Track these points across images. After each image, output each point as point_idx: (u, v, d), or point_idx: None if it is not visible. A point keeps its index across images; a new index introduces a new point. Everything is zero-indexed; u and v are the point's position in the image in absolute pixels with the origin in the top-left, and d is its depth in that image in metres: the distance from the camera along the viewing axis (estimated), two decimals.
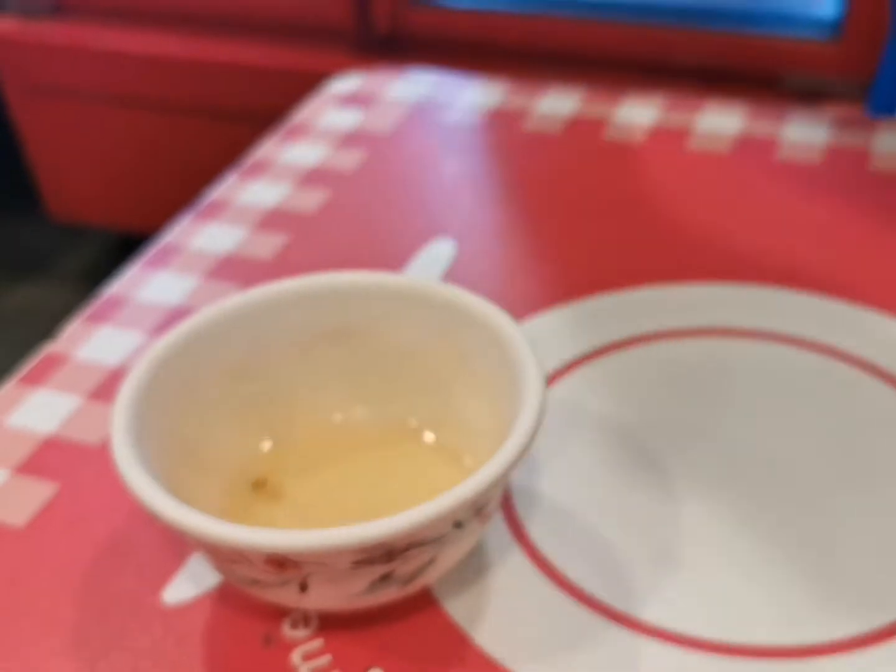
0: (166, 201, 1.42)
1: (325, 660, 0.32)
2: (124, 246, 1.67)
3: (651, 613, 0.32)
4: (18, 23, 1.45)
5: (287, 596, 0.30)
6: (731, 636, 0.32)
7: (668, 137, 0.56)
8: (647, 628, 0.32)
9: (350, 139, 0.57)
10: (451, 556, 0.31)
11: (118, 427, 0.31)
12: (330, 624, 0.33)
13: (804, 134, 0.55)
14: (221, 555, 0.29)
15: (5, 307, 1.60)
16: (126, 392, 0.32)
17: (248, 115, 1.36)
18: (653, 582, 0.33)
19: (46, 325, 1.54)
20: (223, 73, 1.37)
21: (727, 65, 1.21)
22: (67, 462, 0.39)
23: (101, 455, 0.39)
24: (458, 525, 0.29)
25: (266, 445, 0.36)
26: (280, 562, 0.28)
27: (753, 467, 0.37)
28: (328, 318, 0.36)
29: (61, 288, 1.64)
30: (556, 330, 0.43)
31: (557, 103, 0.59)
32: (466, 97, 0.61)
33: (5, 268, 1.68)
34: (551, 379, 0.41)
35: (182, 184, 1.38)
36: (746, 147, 0.54)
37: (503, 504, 0.36)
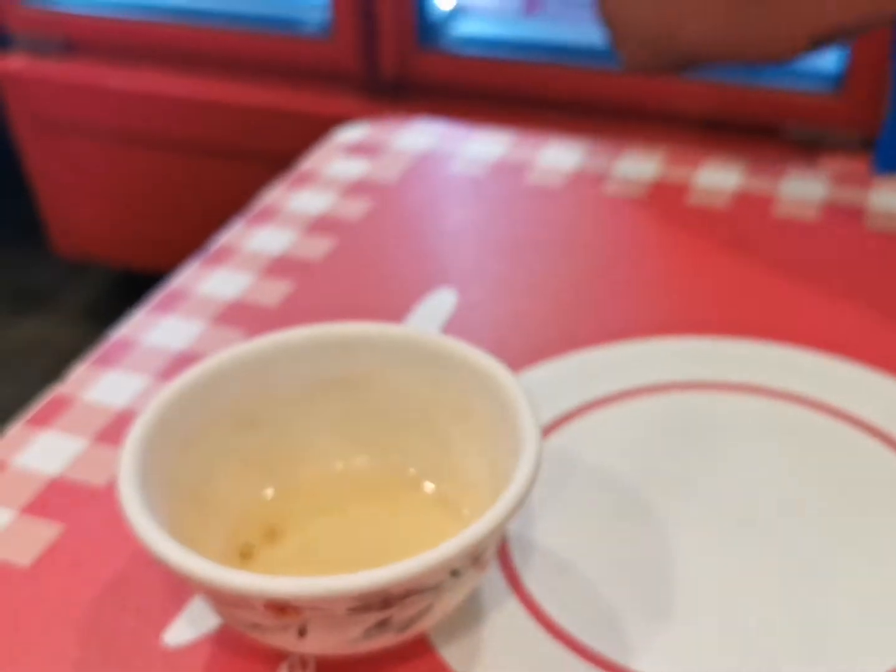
0: (171, 240, 1.44)
1: None
2: (128, 283, 1.69)
3: (643, 664, 0.33)
4: (28, 60, 1.47)
5: (286, 640, 0.31)
6: None
7: (667, 192, 0.57)
8: None
9: (356, 188, 0.59)
10: (447, 603, 0.32)
11: (125, 471, 0.32)
12: (327, 668, 0.33)
13: (801, 190, 0.56)
14: (223, 599, 0.30)
15: (10, 341, 1.61)
16: (133, 437, 0.33)
17: (254, 156, 1.38)
18: (645, 633, 0.34)
19: (50, 360, 1.55)
20: (231, 114, 1.39)
21: (729, 115, 1.22)
22: (72, 503, 0.40)
23: (106, 497, 0.40)
24: (455, 574, 0.30)
25: (269, 492, 0.37)
26: (280, 607, 0.29)
27: (742, 518, 0.38)
28: (331, 367, 0.37)
29: (65, 323, 1.65)
30: (553, 381, 0.44)
31: (560, 156, 0.60)
32: (471, 148, 0.62)
33: (10, 302, 1.69)
34: (548, 429, 0.42)
35: (187, 223, 1.40)
36: (744, 202, 0.55)
37: (499, 552, 0.37)
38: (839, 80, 1.16)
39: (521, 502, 0.30)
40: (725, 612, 0.34)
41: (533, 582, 0.36)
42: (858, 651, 0.33)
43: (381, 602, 0.29)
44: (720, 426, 0.42)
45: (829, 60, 1.18)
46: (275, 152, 1.19)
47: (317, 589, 0.28)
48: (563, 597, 0.35)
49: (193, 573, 0.29)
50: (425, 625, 0.32)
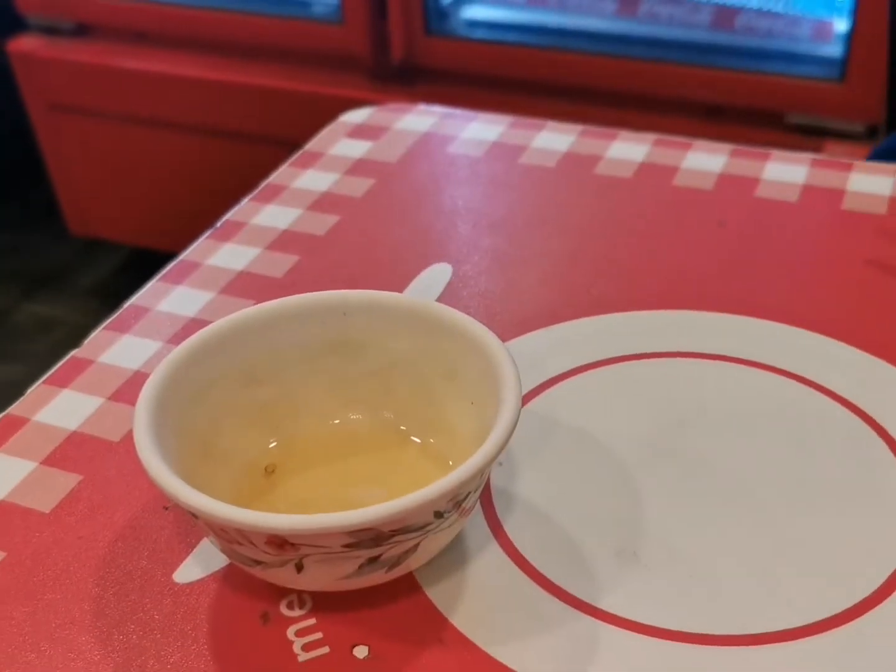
0: (182, 220, 1.47)
1: (316, 636, 0.35)
2: (140, 263, 1.71)
3: (611, 603, 0.36)
4: (41, 42, 1.50)
5: (285, 576, 0.34)
6: (683, 625, 0.35)
7: (656, 173, 0.59)
8: (607, 616, 0.36)
9: (359, 167, 0.62)
10: (433, 544, 0.35)
11: (139, 420, 0.35)
12: (322, 605, 0.36)
13: (783, 172, 0.59)
14: (227, 536, 0.33)
15: (24, 320, 1.64)
16: (147, 390, 0.36)
17: (263, 138, 1.40)
18: (614, 575, 0.37)
19: (63, 338, 1.58)
20: (241, 96, 1.41)
21: (731, 102, 1.24)
22: (90, 456, 0.43)
23: (121, 450, 0.43)
24: (439, 515, 0.33)
25: (272, 444, 0.40)
26: (279, 543, 0.32)
27: (711, 476, 0.41)
28: (330, 331, 0.40)
29: (78, 302, 1.68)
30: (539, 350, 0.47)
31: (554, 138, 0.63)
32: (469, 130, 0.65)
33: (25, 282, 1.72)
34: (532, 394, 0.45)
35: (198, 203, 1.42)
36: (728, 184, 0.58)
37: (484, 503, 0.40)
38: (842, 67, 1.17)
39: (499, 450, 0.33)
40: (693, 560, 0.37)
41: (514, 530, 0.39)
42: (812, 592, 0.36)
43: (371, 539, 0.32)
44: (695, 392, 0.45)
45: (832, 47, 1.19)
46: (284, 135, 1.21)
47: (313, 524, 0.31)
48: (542, 543, 0.38)
49: (202, 511, 0.32)
50: (413, 564, 0.35)
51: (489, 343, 0.37)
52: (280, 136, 1.33)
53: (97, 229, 1.68)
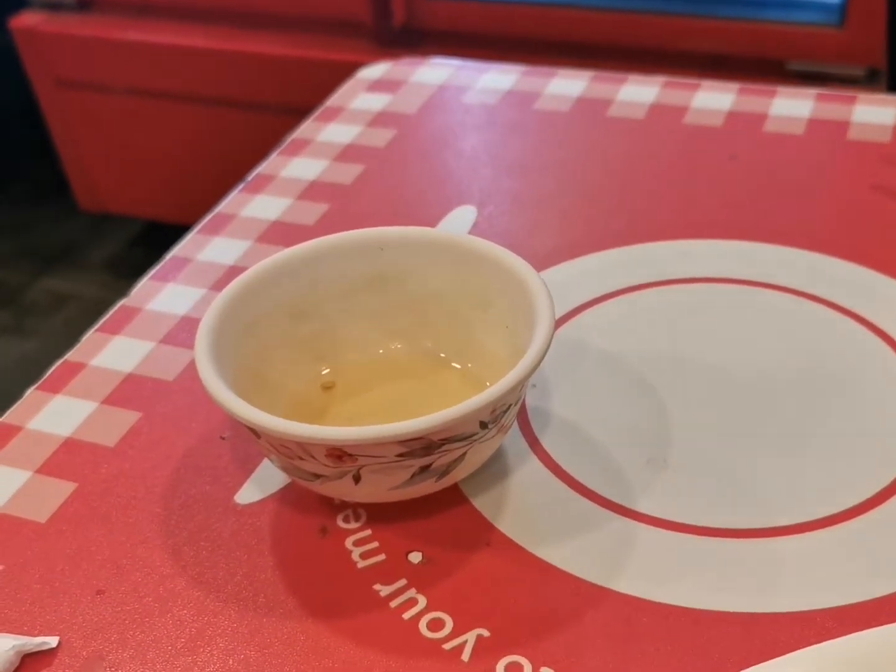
0: (193, 192, 1.49)
1: (373, 545, 0.38)
2: (151, 236, 1.73)
3: (644, 505, 0.39)
4: (45, 16, 1.51)
5: (343, 488, 0.37)
6: (713, 521, 0.38)
7: (666, 113, 0.62)
8: (641, 516, 0.38)
9: (379, 119, 0.64)
10: (478, 455, 0.37)
11: (201, 350, 0.37)
12: (376, 518, 0.39)
13: (790, 107, 0.61)
14: (289, 452, 0.36)
15: (37, 296, 1.66)
16: (205, 324, 0.38)
17: (270, 106, 1.42)
18: (646, 480, 0.40)
19: (76, 313, 1.60)
20: (246, 65, 1.42)
21: (732, 51, 1.25)
22: (147, 396, 0.46)
23: (175, 388, 0.46)
24: (484, 426, 0.36)
25: (324, 371, 0.42)
26: (338, 455, 0.35)
27: (731, 386, 0.43)
28: (368, 266, 0.43)
29: (90, 278, 1.69)
30: (564, 282, 0.49)
31: (566, 85, 0.65)
32: (484, 81, 0.67)
33: (37, 258, 1.74)
34: (561, 321, 0.47)
35: (208, 174, 1.44)
36: (737, 120, 0.60)
37: (521, 421, 0.42)
38: (841, 12, 1.18)
39: (537, 364, 0.36)
40: (719, 463, 0.40)
41: (550, 444, 0.41)
42: (831, 488, 0.39)
43: (423, 448, 0.35)
44: (712, 313, 0.47)
45: None
46: (292, 102, 1.23)
47: (370, 434, 0.34)
48: (577, 454, 0.41)
49: (266, 427, 0.34)
50: (460, 474, 0.38)
51: (521, 270, 0.40)
52: (287, 104, 1.35)
53: (107, 204, 1.69)
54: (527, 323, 0.38)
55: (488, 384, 0.41)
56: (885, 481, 0.39)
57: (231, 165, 1.06)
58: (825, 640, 0.31)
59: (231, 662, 0.35)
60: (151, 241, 1.74)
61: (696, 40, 1.25)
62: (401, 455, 0.35)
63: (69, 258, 1.75)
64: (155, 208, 1.66)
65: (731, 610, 0.35)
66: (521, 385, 0.36)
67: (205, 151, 1.53)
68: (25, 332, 1.58)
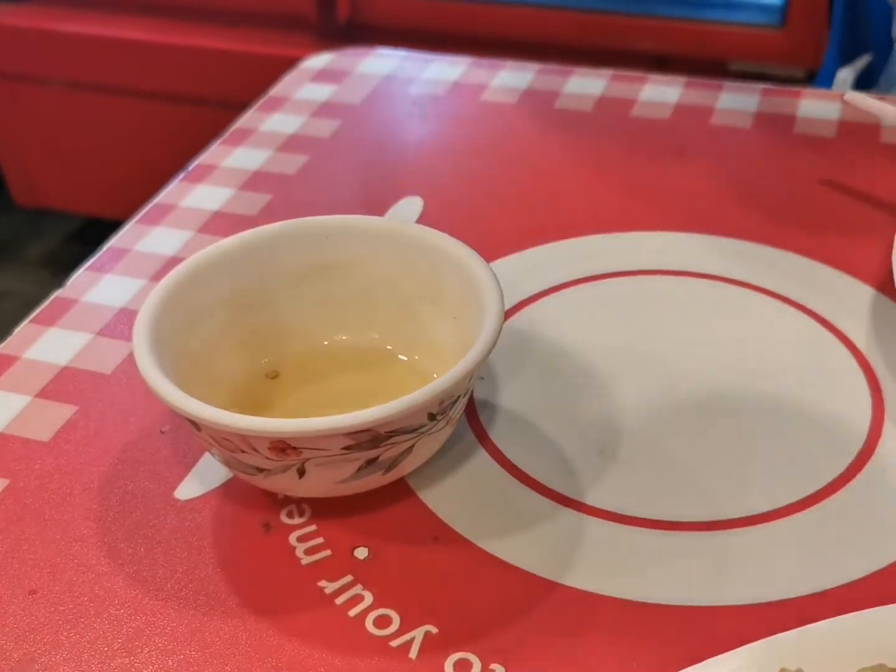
0: (130, 187, 1.46)
1: (318, 541, 0.37)
2: (89, 231, 1.70)
3: (594, 498, 0.38)
4: None
5: (287, 482, 0.36)
6: (663, 515, 0.37)
7: (614, 106, 0.61)
8: (591, 509, 0.38)
9: (324, 109, 0.63)
10: (425, 447, 0.37)
11: (139, 342, 0.36)
12: (321, 513, 0.38)
13: (736, 101, 0.61)
14: (231, 445, 0.34)
15: None
16: (143, 315, 0.37)
17: (212, 101, 1.40)
18: (596, 474, 0.39)
19: (13, 309, 1.56)
20: (186, 59, 1.40)
21: (674, 50, 1.26)
22: (82, 389, 0.44)
23: (112, 382, 0.44)
24: (432, 417, 0.35)
25: (264, 366, 0.41)
26: (282, 448, 0.34)
27: (683, 381, 0.43)
28: (315, 254, 0.42)
29: (26, 273, 1.66)
30: (511, 273, 0.49)
31: (513, 77, 0.65)
32: (430, 72, 0.66)
33: None
34: (509, 313, 0.46)
35: (146, 169, 1.42)
36: (684, 114, 0.60)
37: (469, 414, 0.42)
38: (782, 14, 1.19)
39: (487, 353, 0.35)
40: (670, 456, 0.40)
41: (499, 437, 0.41)
42: (776, 482, 0.38)
43: (370, 441, 0.34)
44: (661, 306, 0.47)
45: None
46: (233, 97, 1.21)
47: (315, 426, 0.33)
48: (526, 448, 0.40)
49: (207, 420, 0.33)
50: (407, 468, 0.37)
51: (470, 260, 0.39)
52: (229, 99, 1.33)
53: (44, 199, 1.66)
54: (475, 314, 0.38)
55: (436, 376, 0.40)
56: (832, 475, 0.38)
57: (170, 160, 1.03)
58: (776, 632, 0.31)
59: (170, 663, 0.33)
60: (89, 237, 1.71)
61: (639, 40, 1.26)
62: (347, 448, 0.34)
63: (4, 254, 1.71)
64: (93, 204, 1.63)
65: (683, 604, 0.34)
66: (469, 376, 0.35)
67: (144, 146, 1.50)
68: None
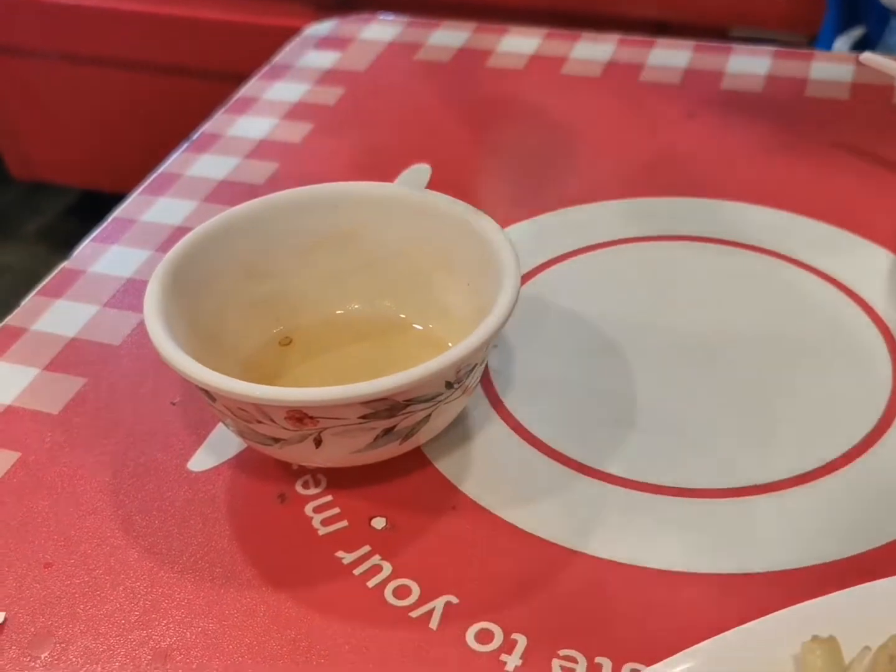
0: (127, 160, 1.45)
1: (334, 511, 0.37)
2: (85, 206, 1.69)
3: (612, 466, 0.38)
4: None
5: (303, 452, 0.35)
6: (683, 482, 0.37)
7: (622, 71, 0.61)
8: (610, 477, 0.37)
9: (329, 77, 0.62)
10: (442, 416, 0.36)
11: (150, 312, 0.35)
12: (337, 483, 0.38)
13: (747, 64, 0.60)
14: (246, 415, 0.34)
15: None
16: (154, 284, 0.37)
17: (209, 72, 1.38)
18: (613, 442, 0.39)
19: (9, 284, 1.54)
20: (181, 30, 1.38)
21: (675, 17, 1.25)
22: (91, 361, 0.44)
23: (121, 354, 0.44)
24: (449, 385, 0.34)
25: (276, 336, 0.41)
26: (299, 417, 0.33)
27: (700, 348, 0.42)
28: (323, 223, 0.41)
29: (22, 248, 1.65)
30: (522, 240, 0.48)
31: (520, 42, 0.64)
32: (435, 38, 0.65)
33: None
34: (521, 280, 0.46)
35: (142, 142, 1.40)
36: (694, 78, 0.59)
37: (484, 384, 0.41)
38: None
39: (504, 320, 0.34)
40: (688, 424, 0.39)
41: (514, 405, 0.40)
42: (798, 447, 0.38)
43: (387, 410, 0.33)
44: (676, 272, 0.46)
45: None
46: (230, 68, 1.20)
47: (332, 395, 0.32)
48: (541, 416, 0.40)
49: (224, 390, 0.33)
50: (423, 437, 0.37)
51: (485, 227, 0.38)
52: (225, 70, 1.31)
53: (41, 173, 1.65)
54: (490, 281, 0.37)
55: (450, 344, 0.40)
56: (853, 441, 0.38)
57: (167, 132, 1.02)
58: (802, 599, 0.30)
59: (188, 635, 0.33)
60: (87, 210, 1.70)
61: (640, 6, 1.25)
62: (364, 417, 0.33)
63: (1, 229, 1.70)
64: (90, 177, 1.62)
65: (705, 571, 0.34)
66: (486, 344, 0.34)
67: (140, 118, 1.49)
68: None
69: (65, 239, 1.64)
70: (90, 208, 1.68)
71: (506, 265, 0.36)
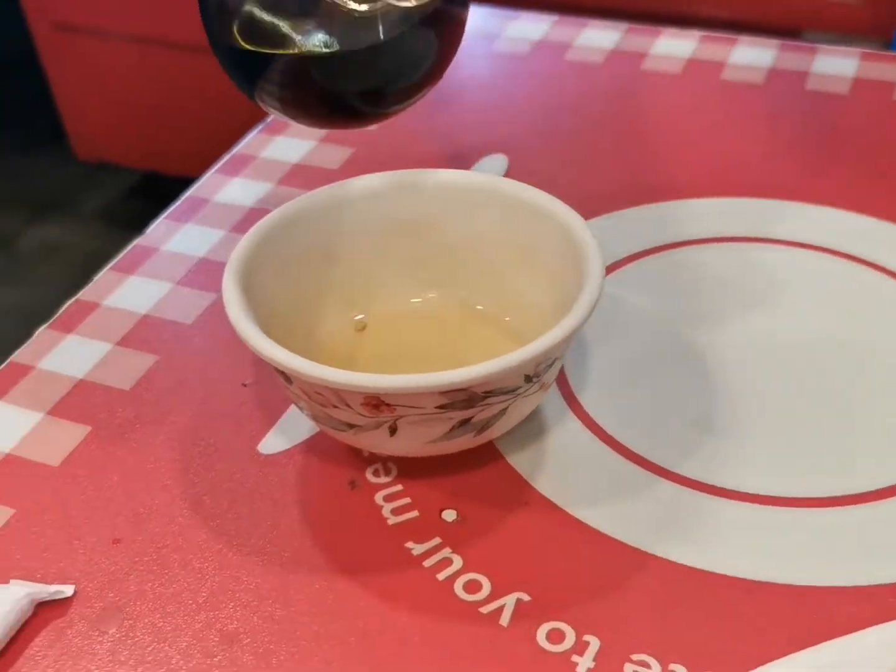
0: (188, 143, 1.46)
1: (405, 501, 0.36)
2: (145, 186, 1.70)
3: (689, 469, 0.37)
4: None
5: (376, 440, 0.35)
6: (761, 489, 0.36)
7: (702, 68, 0.59)
8: (685, 480, 0.36)
9: None
10: (518, 410, 0.35)
11: (229, 290, 0.35)
12: (408, 472, 0.37)
13: (832, 65, 0.59)
14: (322, 399, 0.34)
15: (28, 244, 1.63)
16: (231, 267, 0.36)
17: None
18: (690, 443, 0.38)
19: (68, 262, 1.56)
20: None
21: (748, 18, 1.23)
22: (163, 338, 0.43)
23: (194, 332, 0.43)
24: (528, 379, 0.34)
25: (352, 321, 0.40)
26: (376, 404, 0.33)
27: (779, 352, 0.41)
28: (402, 210, 0.40)
29: (82, 227, 1.66)
30: (601, 235, 0.47)
31: (599, 36, 0.63)
32: (513, 29, 0.65)
33: (28, 206, 1.71)
34: None
35: (205, 125, 1.41)
36: (777, 78, 0.58)
37: (559, 379, 0.40)
38: None
39: (588, 315, 0.34)
40: (767, 428, 0.38)
41: (589, 403, 0.40)
42: (889, 460, 0.37)
43: (464, 401, 0.33)
44: (759, 275, 0.45)
45: None
46: None
47: (412, 383, 0.32)
48: (617, 414, 0.39)
49: (301, 371, 0.32)
50: (497, 431, 0.36)
51: (569, 218, 0.38)
52: None
53: (104, 153, 1.66)
54: (572, 274, 0.36)
55: (528, 338, 0.39)
56: None
57: (233, 117, 1.03)
58: (886, 617, 0.29)
59: (255, 619, 0.33)
60: (147, 191, 1.71)
61: (714, 7, 1.23)
62: (441, 407, 0.33)
63: (63, 207, 1.72)
64: (152, 158, 1.62)
65: (783, 581, 0.33)
66: (570, 338, 0.34)
67: (204, 101, 1.49)
68: (16, 280, 1.55)
69: (124, 219, 1.66)
70: (150, 190, 1.70)
71: (590, 259, 0.36)
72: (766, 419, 0.39)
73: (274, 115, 0.41)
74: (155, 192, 1.63)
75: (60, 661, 0.32)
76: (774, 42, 0.61)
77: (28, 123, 1.86)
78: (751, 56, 0.60)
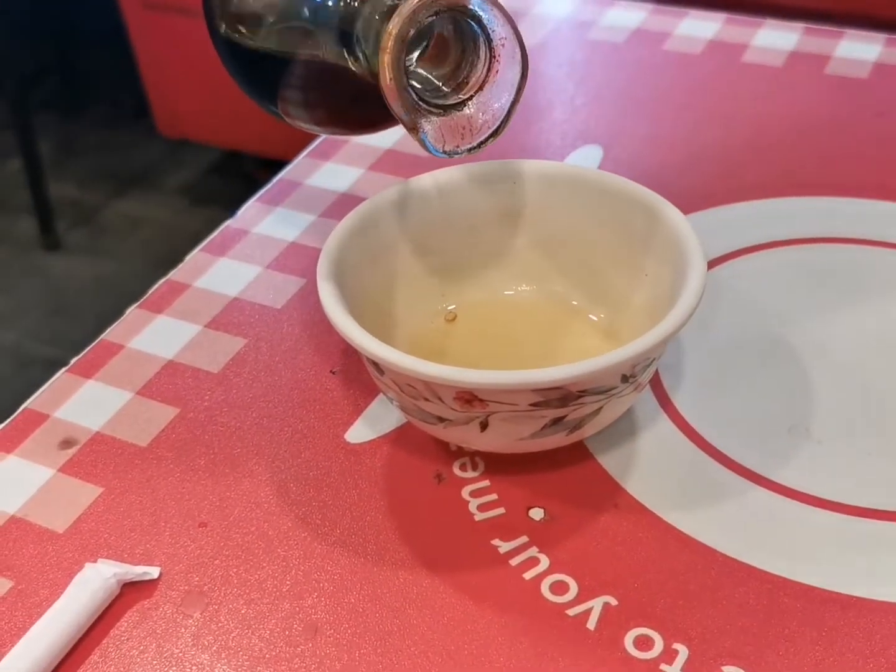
0: (271, 122, 1.46)
1: (491, 498, 0.36)
2: (226, 163, 1.71)
3: (786, 476, 0.36)
4: None
5: (467, 434, 0.34)
6: (859, 500, 0.35)
7: (806, 61, 0.58)
8: (782, 488, 0.35)
9: None
10: (611, 411, 0.35)
11: (324, 278, 0.35)
12: (495, 468, 0.37)
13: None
14: (414, 392, 0.33)
15: (112, 217, 1.65)
16: (326, 254, 0.36)
17: None
18: (787, 450, 0.37)
19: (151, 236, 1.58)
20: None
21: (858, 8, 1.20)
22: (252, 322, 0.43)
23: (282, 317, 0.43)
24: (625, 380, 0.33)
25: (442, 311, 0.40)
26: (468, 399, 0.32)
27: (882, 358, 0.40)
28: (499, 200, 0.40)
29: (165, 201, 1.68)
30: (698, 232, 0.46)
31: (698, 26, 0.62)
32: (609, 17, 0.63)
33: (112, 180, 1.73)
34: None
35: None
36: (884, 74, 0.56)
37: (652, 380, 0.39)
38: None
39: (689, 316, 0.33)
40: (868, 437, 0.37)
41: (683, 404, 0.39)
42: None
43: (559, 399, 0.32)
44: (860, 277, 0.44)
45: None
46: None
47: (505, 380, 0.31)
48: (711, 417, 0.38)
49: (395, 363, 0.32)
50: (590, 430, 0.35)
51: (671, 214, 0.37)
52: None
53: (187, 130, 1.67)
54: (672, 272, 0.35)
55: (623, 336, 0.38)
56: None
57: None
58: None
59: (339, 610, 0.32)
60: (228, 169, 1.72)
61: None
62: (535, 404, 0.32)
63: (145, 182, 1.74)
64: (234, 136, 1.63)
65: (885, 599, 0.32)
66: (669, 339, 0.33)
67: None
68: (100, 253, 1.58)
69: (204, 195, 1.67)
70: (231, 168, 1.71)
71: (692, 257, 0.35)
72: (868, 426, 0.37)
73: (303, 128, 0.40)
74: (235, 170, 1.65)
75: (145, 642, 0.32)
76: (880, 36, 0.59)
77: (115, 100, 1.88)
78: (856, 50, 0.58)
